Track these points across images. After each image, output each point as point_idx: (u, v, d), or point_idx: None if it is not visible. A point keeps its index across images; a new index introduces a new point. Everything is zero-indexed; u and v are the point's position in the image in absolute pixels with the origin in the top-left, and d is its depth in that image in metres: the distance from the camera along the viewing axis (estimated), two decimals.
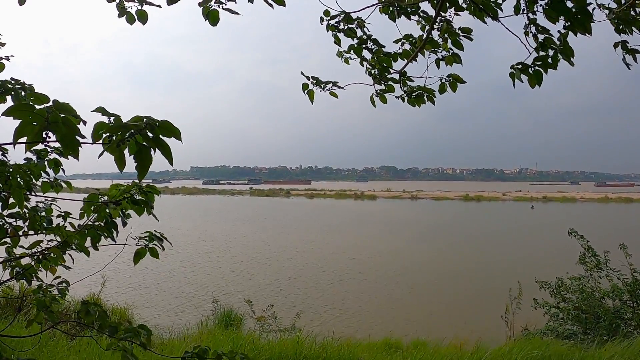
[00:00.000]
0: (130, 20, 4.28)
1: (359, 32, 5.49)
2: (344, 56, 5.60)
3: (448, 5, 4.97)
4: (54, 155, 4.09)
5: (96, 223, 3.58)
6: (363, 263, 32.71)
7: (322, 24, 5.46)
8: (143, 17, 4.27)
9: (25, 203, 3.82)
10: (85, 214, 3.57)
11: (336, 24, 5.45)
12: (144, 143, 2.19)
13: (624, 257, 12.75)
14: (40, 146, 3.50)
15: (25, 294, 10.88)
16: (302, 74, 5.50)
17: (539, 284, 13.36)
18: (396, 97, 5.54)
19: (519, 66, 4.43)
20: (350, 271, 29.98)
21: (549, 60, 4.31)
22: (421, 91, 5.39)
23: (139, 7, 4.25)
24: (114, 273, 23.52)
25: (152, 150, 2.21)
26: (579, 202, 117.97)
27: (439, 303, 22.74)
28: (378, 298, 23.54)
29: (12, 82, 4.09)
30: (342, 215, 74.88)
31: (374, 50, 5.51)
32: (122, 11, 4.29)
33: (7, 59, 4.73)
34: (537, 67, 4.35)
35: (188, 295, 23.37)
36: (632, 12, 4.48)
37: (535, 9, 4.26)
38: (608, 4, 4.54)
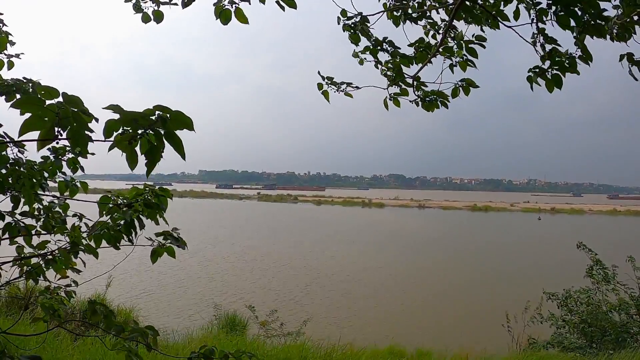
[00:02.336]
0: (146, 19, 4.30)
1: (374, 34, 5.52)
2: (360, 57, 5.63)
3: (463, 14, 4.97)
4: (72, 155, 4.06)
5: (111, 225, 3.54)
6: (369, 271, 32.64)
7: (338, 24, 5.49)
8: (159, 17, 4.29)
9: (37, 202, 3.82)
10: (105, 213, 3.53)
11: (352, 25, 5.47)
12: (155, 142, 2.13)
13: (632, 270, 12.68)
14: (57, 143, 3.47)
15: (32, 293, 10.93)
16: (319, 73, 5.58)
17: (546, 295, 13.30)
18: (410, 101, 5.56)
19: (537, 70, 4.42)
20: (356, 279, 29.92)
21: (566, 64, 4.29)
22: (435, 96, 5.40)
23: (156, 8, 4.26)
24: (120, 274, 23.57)
25: (163, 144, 2.14)
26: (587, 214, 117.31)
27: (445, 313, 22.62)
28: (384, 307, 23.46)
29: (24, 81, 4.10)
30: (349, 223, 74.75)
31: (390, 52, 5.52)
32: (138, 9, 4.31)
33: (18, 56, 4.75)
34: (555, 71, 4.33)
35: (193, 298, 23.36)
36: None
37: (544, 19, 4.26)
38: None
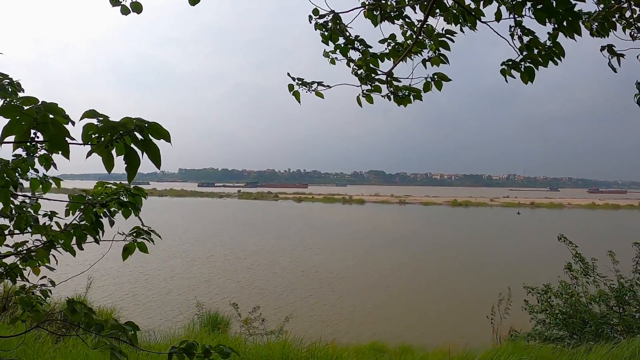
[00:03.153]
0: (125, 11, 4.25)
1: (347, 33, 5.50)
2: (331, 56, 5.60)
3: (438, 10, 4.99)
4: (43, 152, 4.01)
5: (82, 222, 3.53)
6: (350, 268, 32.69)
7: (310, 22, 5.46)
8: (138, 8, 4.25)
9: (12, 200, 3.77)
10: (71, 212, 3.53)
11: (324, 24, 5.45)
12: (132, 145, 2.18)
13: (611, 263, 12.82)
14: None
15: (10, 294, 10.81)
16: (288, 74, 5.50)
17: (526, 289, 13.40)
18: (382, 96, 5.54)
19: (510, 62, 4.49)
20: (338, 276, 29.95)
21: (540, 58, 4.35)
22: (407, 91, 5.40)
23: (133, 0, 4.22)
24: (100, 274, 23.41)
25: (141, 153, 2.20)
26: (566, 209, 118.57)
27: (427, 309, 22.74)
28: (365, 303, 23.52)
29: (0, 77, 4.06)
30: (330, 220, 74.78)
31: (361, 51, 5.52)
32: (115, 2, 4.26)
33: None
34: (528, 64, 4.39)
35: (176, 299, 23.24)
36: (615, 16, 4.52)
37: (522, 12, 4.29)
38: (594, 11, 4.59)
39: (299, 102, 5.49)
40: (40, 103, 2.12)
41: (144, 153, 2.21)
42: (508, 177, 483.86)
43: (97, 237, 3.52)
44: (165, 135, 2.23)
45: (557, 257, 14.39)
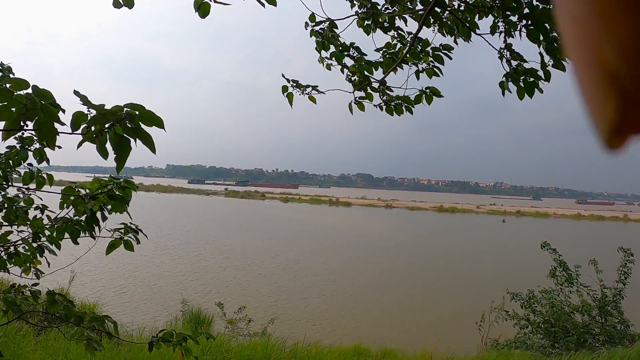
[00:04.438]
0: (117, 5, 4.19)
1: (338, 41, 5.49)
2: (326, 62, 5.59)
3: (432, 20, 4.99)
4: (38, 145, 3.95)
5: (75, 217, 3.48)
6: (335, 271, 32.65)
7: (306, 29, 5.44)
8: (130, 3, 4.19)
9: (2, 192, 3.74)
10: (65, 205, 3.47)
11: (320, 30, 5.43)
12: (124, 134, 2.14)
13: (594, 272, 12.92)
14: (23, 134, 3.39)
15: None
16: (283, 76, 5.45)
17: (509, 295, 13.47)
18: (374, 105, 5.54)
19: (509, 75, 4.45)
20: (323, 279, 29.92)
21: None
22: (400, 101, 5.39)
23: None
24: (85, 268, 23.25)
25: (133, 140, 2.16)
26: (551, 218, 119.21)
27: (411, 314, 22.73)
28: (349, 307, 23.49)
29: None
30: (318, 221, 74.76)
31: (355, 58, 5.50)
32: None
33: None
34: (530, 78, 4.37)
35: (161, 296, 23.10)
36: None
37: (512, 32, 4.30)
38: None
39: (291, 104, 5.40)
40: (31, 88, 2.06)
41: (137, 142, 2.17)
42: (495, 185, 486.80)
43: (93, 233, 3.45)
44: (158, 122, 2.18)
45: (542, 265, 14.44)
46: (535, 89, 4.40)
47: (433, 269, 35.46)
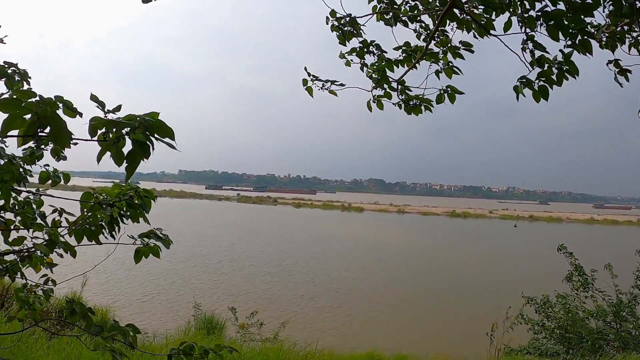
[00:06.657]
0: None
1: (361, 35, 5.53)
2: (346, 58, 5.61)
3: (449, 20, 4.97)
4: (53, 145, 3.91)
5: (99, 222, 3.46)
6: (348, 277, 32.58)
7: (327, 24, 5.48)
8: None
9: (16, 196, 3.72)
10: (84, 210, 3.45)
11: (341, 26, 5.46)
12: (145, 141, 2.14)
13: (610, 277, 12.80)
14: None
15: (7, 291, 10.76)
16: (305, 69, 5.56)
17: (525, 299, 13.36)
18: (393, 104, 5.54)
19: (524, 80, 4.40)
20: (337, 284, 29.85)
21: (554, 77, 4.28)
22: (419, 101, 5.38)
23: None
24: (101, 275, 23.35)
25: (151, 145, 2.16)
26: (565, 223, 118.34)
27: (424, 320, 22.66)
28: (363, 312, 23.42)
29: (5, 65, 3.98)
30: (331, 228, 74.66)
31: (376, 55, 5.51)
32: None
33: (1, 41, 4.63)
34: (542, 83, 4.31)
35: (171, 299, 23.14)
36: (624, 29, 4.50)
37: (535, 28, 4.24)
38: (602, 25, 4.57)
39: (312, 96, 5.53)
40: (37, 97, 2.06)
41: (153, 144, 2.17)
42: (507, 189, 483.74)
43: (114, 234, 3.42)
44: (169, 134, 2.18)
45: (556, 269, 14.33)
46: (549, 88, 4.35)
47: (446, 274, 35.28)
